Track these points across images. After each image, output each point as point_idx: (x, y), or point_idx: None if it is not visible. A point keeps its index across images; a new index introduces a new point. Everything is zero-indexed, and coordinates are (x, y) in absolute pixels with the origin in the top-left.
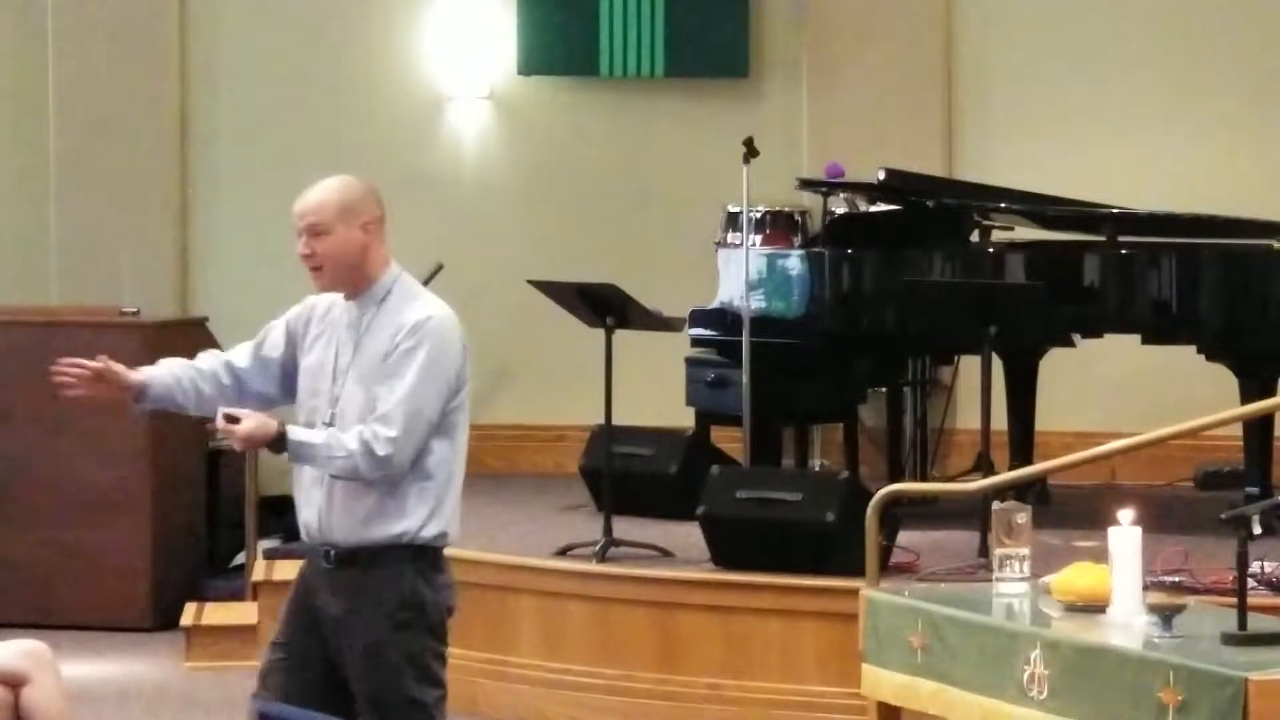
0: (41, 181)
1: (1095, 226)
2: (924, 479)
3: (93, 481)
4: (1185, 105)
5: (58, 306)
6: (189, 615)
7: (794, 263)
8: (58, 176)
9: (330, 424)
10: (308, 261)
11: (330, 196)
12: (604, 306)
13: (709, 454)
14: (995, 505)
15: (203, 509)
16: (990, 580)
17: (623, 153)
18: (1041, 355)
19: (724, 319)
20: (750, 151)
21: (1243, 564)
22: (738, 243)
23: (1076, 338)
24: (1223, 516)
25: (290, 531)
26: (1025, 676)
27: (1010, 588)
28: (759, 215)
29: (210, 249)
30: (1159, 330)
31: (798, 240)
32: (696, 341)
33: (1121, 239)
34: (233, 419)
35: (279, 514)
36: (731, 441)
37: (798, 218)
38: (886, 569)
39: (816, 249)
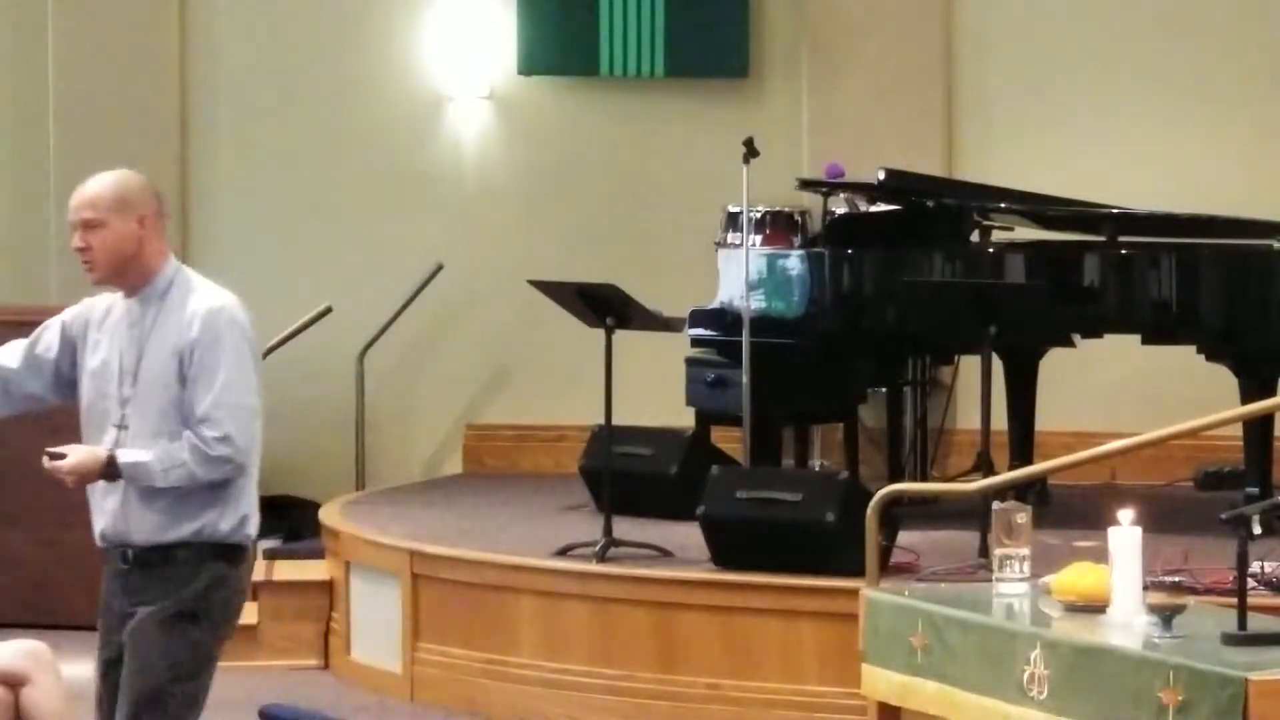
0: (41, 181)
1: (1095, 226)
2: (924, 479)
3: None
4: (1185, 105)
5: (58, 306)
6: None
7: (794, 263)
8: (57, 176)
9: (122, 425)
10: (82, 255)
11: (105, 190)
12: (604, 307)
13: (709, 454)
14: (995, 505)
15: None
16: (990, 580)
17: (623, 153)
18: (1041, 355)
19: (724, 319)
20: (750, 151)
21: (1243, 564)
22: (738, 243)
23: (1076, 338)
24: (1223, 516)
25: (291, 532)
26: (1025, 676)
27: (1010, 588)
28: (759, 215)
29: (210, 249)
30: (1159, 330)
31: (798, 240)
32: (696, 342)
33: (1121, 239)
34: (57, 455)
35: (279, 514)
36: (731, 442)
37: (798, 218)
38: (887, 569)
39: (816, 249)
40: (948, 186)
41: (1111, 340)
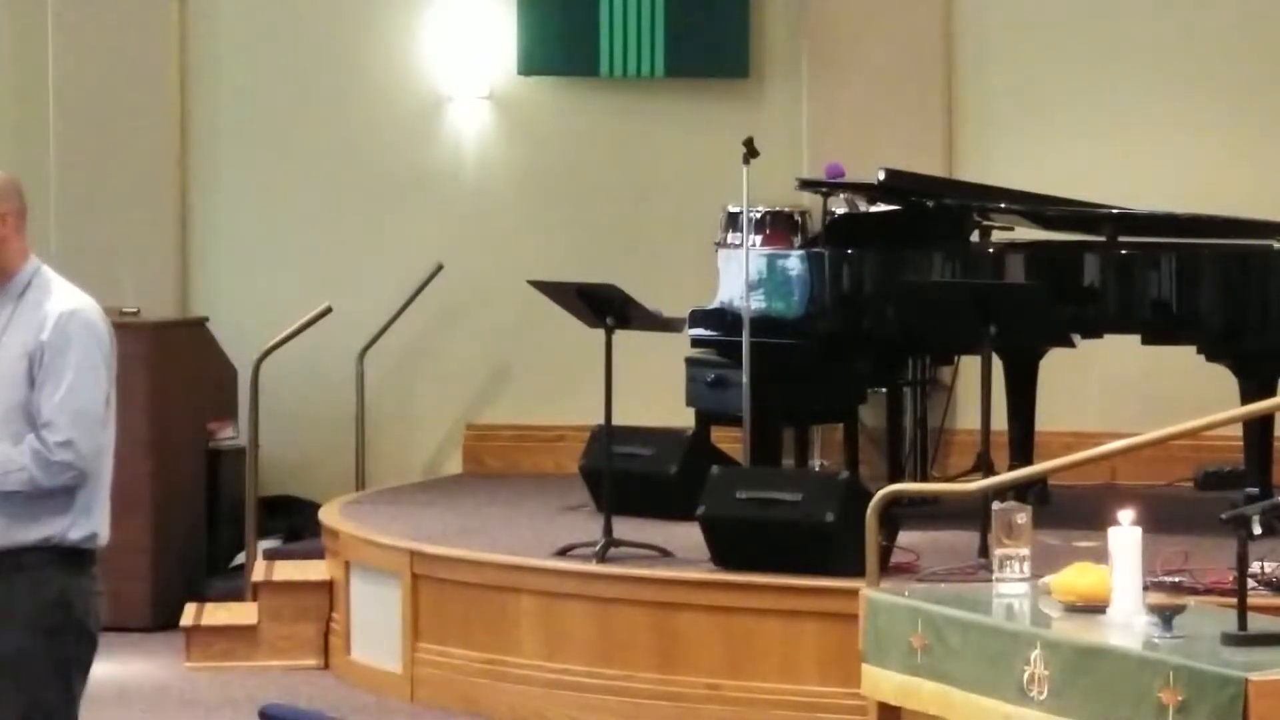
0: (42, 182)
1: (1095, 226)
2: (924, 479)
3: None
4: (1185, 105)
5: None
6: (189, 615)
7: (794, 263)
8: (58, 177)
9: None
10: None
11: None
12: (604, 307)
13: (709, 454)
14: (995, 505)
15: (203, 509)
16: (990, 580)
17: (623, 153)
18: (1041, 355)
19: (724, 319)
20: (750, 152)
21: (1243, 564)
22: (738, 243)
23: (1076, 338)
24: (1223, 517)
25: (291, 532)
26: (1025, 677)
27: (1010, 588)
28: (759, 215)
29: (210, 249)
30: (1159, 330)
31: (798, 240)
32: (696, 342)
33: (1121, 239)
34: None
35: (279, 514)
36: (731, 442)
37: (798, 218)
38: (886, 569)
39: (816, 249)
40: (948, 187)
41: (1112, 340)
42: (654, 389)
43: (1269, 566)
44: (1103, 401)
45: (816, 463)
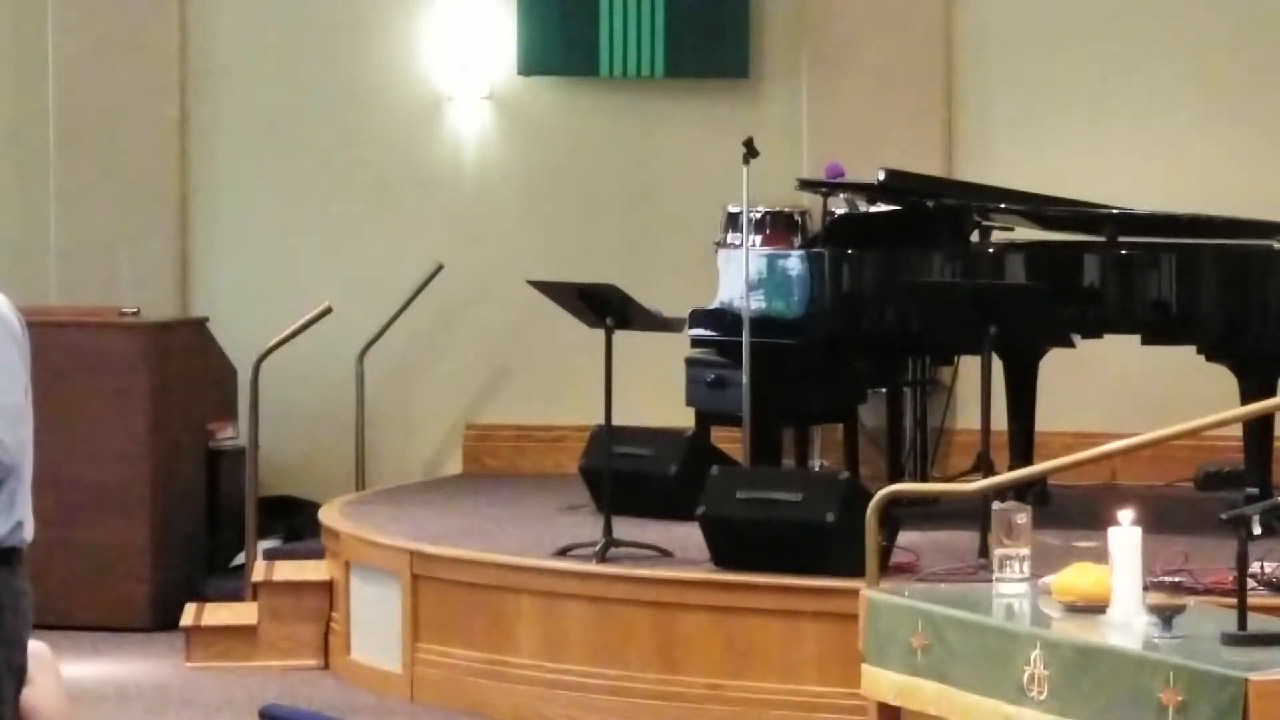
0: (41, 181)
1: (1095, 227)
2: (924, 479)
3: (93, 482)
4: (1185, 105)
5: (58, 307)
6: (189, 615)
7: (794, 263)
8: (57, 176)
9: None
10: None
11: None
12: (604, 307)
13: (709, 454)
14: (995, 506)
15: (203, 509)
16: (990, 581)
17: (623, 153)
18: (1041, 355)
19: (724, 319)
20: (750, 152)
21: (1243, 564)
22: (738, 243)
23: (1076, 338)
24: (1223, 517)
25: (291, 532)
26: (1025, 677)
27: (1010, 588)
28: (759, 215)
29: (210, 249)
30: (1159, 330)
31: (798, 240)
32: (696, 342)
33: (1122, 239)
34: None
35: (279, 515)
36: (731, 442)
37: (798, 218)
38: (886, 569)
39: (816, 249)
40: (948, 187)
41: (1112, 340)
42: (654, 389)
43: (1269, 566)
44: (1103, 402)
45: (816, 463)
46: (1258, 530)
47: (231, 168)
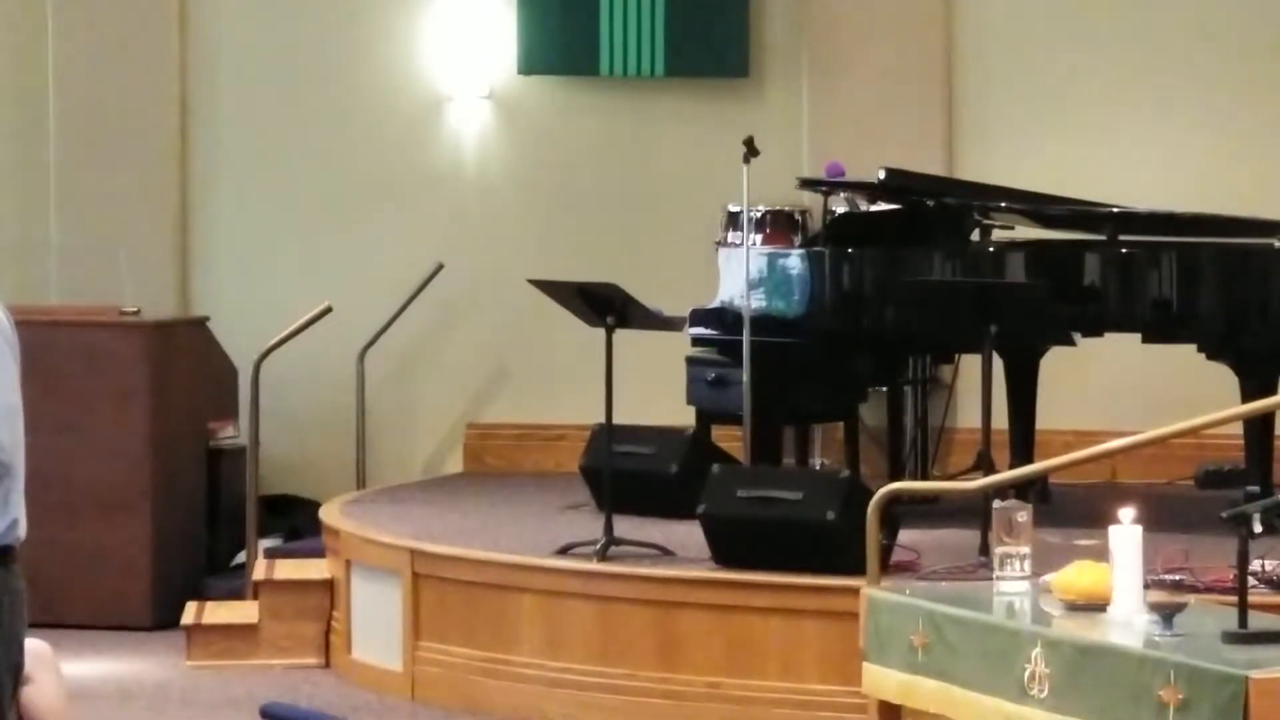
0: (42, 181)
1: (1096, 225)
2: (924, 478)
3: (93, 481)
4: (1186, 104)
5: (58, 306)
6: (190, 614)
7: (794, 262)
8: (58, 176)
9: None
10: None
11: None
12: (604, 306)
13: (709, 453)
14: (996, 504)
15: (203, 508)
16: (991, 579)
17: (623, 152)
18: (1042, 354)
19: (724, 318)
20: (750, 151)
21: (1243, 562)
22: (738, 242)
23: (1077, 336)
24: (1224, 515)
25: (291, 531)
26: (1026, 675)
27: (1011, 586)
28: (759, 214)
29: (210, 249)
30: (1159, 329)
31: (798, 239)
32: (697, 341)
33: (1122, 238)
34: None
35: (279, 513)
36: (732, 440)
37: (798, 217)
38: (887, 568)
39: (817, 248)
40: (948, 185)
41: (1112, 339)
42: (654, 388)
43: (1269, 564)
44: (1103, 400)
45: (817, 461)
46: (1258, 528)
47: (232, 167)
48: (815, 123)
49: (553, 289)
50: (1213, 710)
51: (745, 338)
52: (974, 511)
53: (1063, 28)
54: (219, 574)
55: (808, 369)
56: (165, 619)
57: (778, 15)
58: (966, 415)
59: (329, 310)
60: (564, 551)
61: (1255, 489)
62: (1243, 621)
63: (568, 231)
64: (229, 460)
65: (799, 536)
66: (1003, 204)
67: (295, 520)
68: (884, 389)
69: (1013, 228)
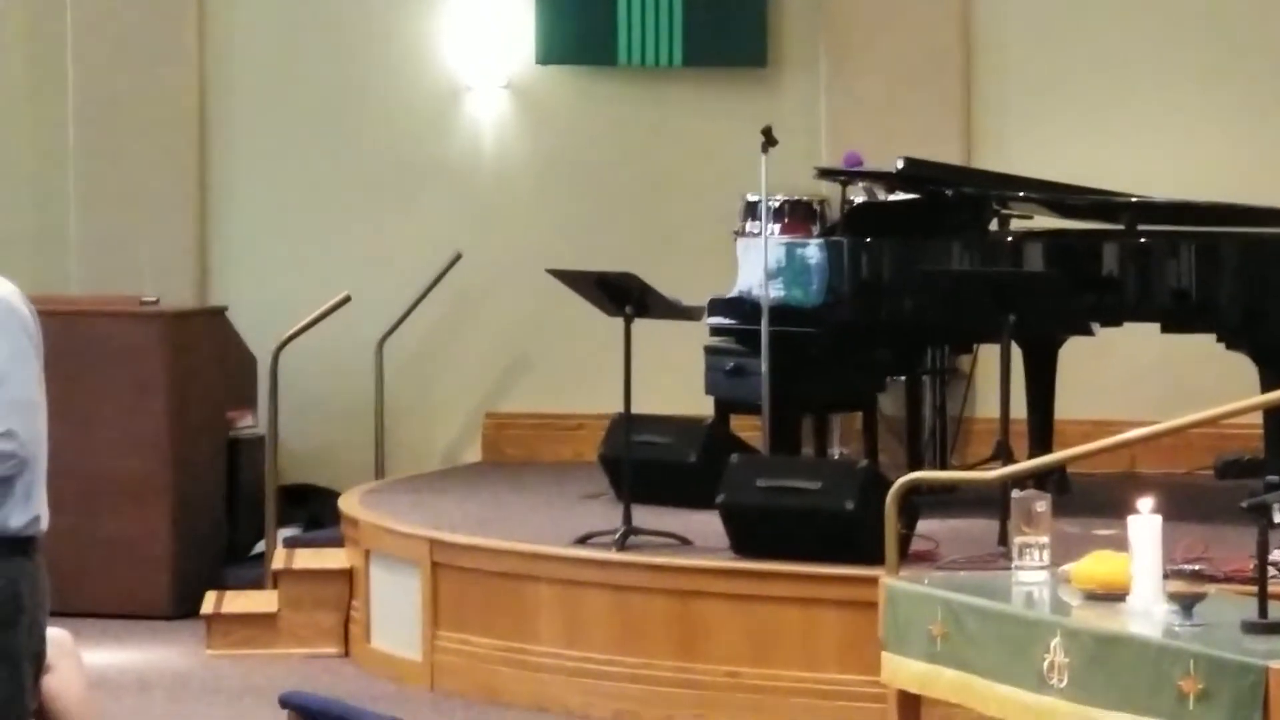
0: (61, 172)
1: (1114, 215)
2: (943, 467)
3: (114, 470)
4: (1204, 93)
5: (78, 297)
6: (209, 603)
7: (813, 251)
8: (77, 167)
9: None
10: None
11: None
12: (623, 295)
13: (728, 442)
14: (1015, 493)
15: (223, 497)
16: (1010, 569)
17: (641, 142)
18: (1060, 344)
19: (743, 308)
20: (769, 140)
21: (1263, 552)
22: (756, 231)
23: (1095, 326)
24: (1243, 505)
25: (310, 520)
26: (1045, 665)
27: (1030, 576)
28: (777, 204)
29: (229, 239)
30: (1178, 318)
31: (816, 229)
32: (715, 330)
33: (1140, 227)
34: None
35: (299, 503)
36: (751, 430)
37: (816, 207)
38: (906, 557)
39: (835, 238)
40: (966, 175)
41: (1131, 329)
42: (673, 377)
43: None
44: (1122, 389)
45: (836, 451)
46: (1278, 518)
47: (250, 157)
48: (833, 112)
49: (571, 278)
50: (1232, 700)
51: (764, 327)
52: (993, 501)
53: (1081, 17)
54: (238, 563)
55: (826, 359)
56: (185, 608)
57: (796, 4)
58: (985, 405)
59: (348, 300)
60: (583, 541)
61: (1275, 479)
62: (1262, 611)
63: (586, 221)
64: (248, 450)
65: (818, 526)
66: (1021, 194)
67: (314, 510)
68: (902, 379)
69: (1031, 217)
